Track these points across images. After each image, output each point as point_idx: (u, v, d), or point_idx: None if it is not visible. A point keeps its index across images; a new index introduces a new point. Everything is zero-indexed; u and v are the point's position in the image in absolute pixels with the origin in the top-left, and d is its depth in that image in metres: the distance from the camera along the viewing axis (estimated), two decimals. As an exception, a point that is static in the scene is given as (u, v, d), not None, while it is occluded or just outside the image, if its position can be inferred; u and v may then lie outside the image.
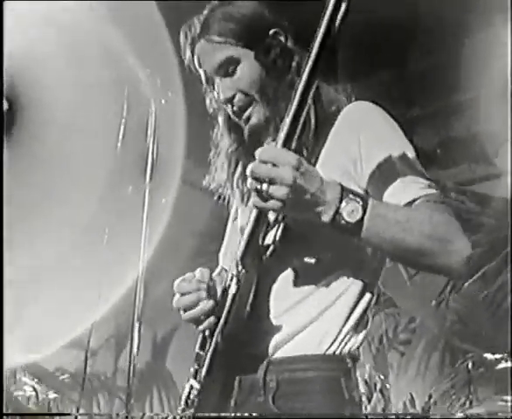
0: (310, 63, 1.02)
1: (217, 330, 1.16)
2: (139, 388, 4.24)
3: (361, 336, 1.25)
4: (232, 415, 1.20)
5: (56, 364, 3.66)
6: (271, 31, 1.33)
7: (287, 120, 1.04)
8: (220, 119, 1.42)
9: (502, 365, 2.96)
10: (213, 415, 1.19)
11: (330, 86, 1.34)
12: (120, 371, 4.19)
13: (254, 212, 1.10)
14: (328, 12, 1.00)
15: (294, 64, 1.32)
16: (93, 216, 3.09)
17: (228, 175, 1.42)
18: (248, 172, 1.02)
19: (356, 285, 1.25)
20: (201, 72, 1.37)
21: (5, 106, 2.70)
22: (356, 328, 1.25)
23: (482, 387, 3.03)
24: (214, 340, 1.17)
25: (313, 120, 1.26)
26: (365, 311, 1.26)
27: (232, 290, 1.14)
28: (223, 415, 1.20)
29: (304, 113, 1.04)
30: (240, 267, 1.14)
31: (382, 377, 3.16)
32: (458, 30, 3.38)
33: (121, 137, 1.68)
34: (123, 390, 4.09)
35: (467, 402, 2.90)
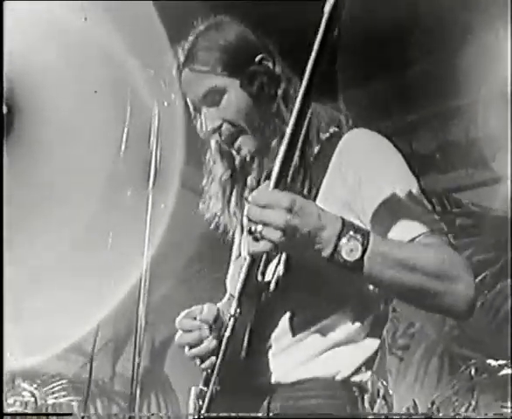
0: (300, 97, 0.99)
1: (215, 372, 1.13)
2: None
3: (367, 375, 1.20)
4: (233, 414, 1.19)
5: (54, 369, 3.64)
6: (257, 58, 1.29)
7: (279, 158, 1.01)
8: (213, 143, 1.38)
9: (505, 371, 2.96)
10: (213, 415, 1.17)
11: (327, 106, 1.30)
12: (118, 376, 4.17)
13: (248, 258, 1.07)
14: (311, 61, 0.98)
15: (279, 91, 1.29)
16: (94, 218, 3.08)
17: (223, 204, 1.38)
18: (244, 213, 1.02)
19: (358, 328, 1.21)
20: (188, 100, 1.34)
21: (4, 109, 2.69)
22: (361, 367, 1.20)
23: (484, 393, 3.03)
24: (212, 380, 1.14)
25: (310, 148, 1.24)
26: (374, 354, 1.22)
27: (228, 333, 1.12)
28: (222, 415, 1.19)
29: (297, 149, 1.01)
30: (238, 309, 1.11)
31: (385, 383, 3.15)
32: (457, 35, 3.40)
33: (124, 139, 1.65)
34: (121, 395, 4.08)
35: (470, 409, 2.90)
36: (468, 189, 3.96)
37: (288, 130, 1.00)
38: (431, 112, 3.93)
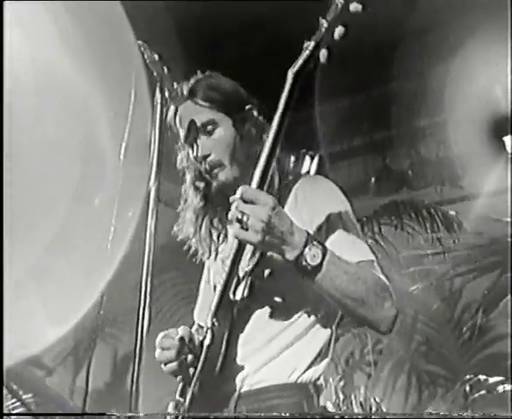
0: (281, 109, 1.26)
1: (194, 379, 1.29)
2: (95, 410, 4.06)
3: (322, 366, 1.39)
4: (230, 415, 1.34)
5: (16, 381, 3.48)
6: (247, 107, 1.54)
7: (261, 163, 1.25)
8: (188, 176, 1.59)
9: (501, 387, 2.97)
10: (213, 415, 1.33)
11: (289, 159, 1.54)
12: (77, 391, 4.02)
13: (235, 246, 1.27)
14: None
15: (264, 136, 1.46)
16: (62, 227, 3.00)
17: (195, 229, 1.59)
18: (233, 205, 1.21)
19: (313, 322, 1.40)
20: (181, 130, 1.53)
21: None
22: (317, 359, 1.38)
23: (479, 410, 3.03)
24: (191, 389, 1.29)
25: (276, 185, 1.45)
26: (327, 344, 1.41)
27: (207, 341, 1.29)
28: (220, 415, 1.34)
29: (275, 157, 1.26)
30: (214, 320, 1.30)
31: (377, 400, 3.17)
32: (431, 55, 3.44)
33: (126, 135, 1.63)
34: (80, 410, 3.92)
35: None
36: (438, 206, 4.00)
37: (270, 137, 1.26)
38: (404, 129, 3.97)
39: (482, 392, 3.05)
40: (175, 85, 1.50)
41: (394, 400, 3.86)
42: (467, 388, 3.08)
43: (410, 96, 3.74)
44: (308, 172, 1.56)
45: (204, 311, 1.59)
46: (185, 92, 1.51)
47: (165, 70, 1.44)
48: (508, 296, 3.10)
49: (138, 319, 1.29)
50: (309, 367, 1.37)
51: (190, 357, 1.33)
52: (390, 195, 4.14)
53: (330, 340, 1.41)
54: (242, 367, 1.37)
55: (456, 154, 3.85)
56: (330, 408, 3.15)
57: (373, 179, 4.23)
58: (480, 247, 3.35)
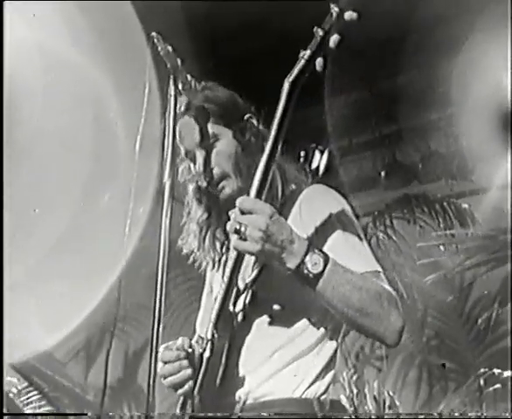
0: (279, 116, 1.22)
1: (195, 393, 1.29)
2: (108, 405, 4.09)
3: (327, 379, 1.37)
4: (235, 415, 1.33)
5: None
6: (246, 116, 1.52)
7: (259, 172, 1.23)
8: (190, 188, 1.57)
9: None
10: (211, 414, 1.32)
11: (292, 165, 1.54)
12: (90, 386, 4.05)
13: (233, 256, 1.25)
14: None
15: (265, 144, 1.47)
16: (71, 223, 3.01)
17: (199, 242, 1.58)
18: (231, 217, 1.21)
19: (322, 336, 1.38)
20: (181, 145, 1.50)
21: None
22: (322, 373, 1.37)
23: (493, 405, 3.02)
24: (192, 402, 1.30)
25: (279, 194, 1.45)
26: (331, 357, 1.39)
27: (207, 354, 1.28)
28: (221, 415, 1.33)
29: (273, 166, 1.24)
30: (214, 332, 1.29)
31: (391, 394, 3.18)
32: (441, 48, 3.43)
33: (141, 127, 1.62)
34: (92, 406, 3.95)
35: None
36: (451, 199, 3.99)
37: (267, 147, 1.23)
38: (414, 123, 3.95)
39: (497, 386, 3.04)
40: (188, 77, 1.47)
41: (404, 394, 3.86)
42: (482, 382, 3.07)
43: (419, 89, 3.72)
44: (318, 168, 1.55)
45: (205, 322, 1.56)
46: (182, 108, 1.48)
47: (179, 62, 1.41)
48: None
49: (154, 317, 1.28)
50: (314, 381, 1.36)
51: (189, 370, 1.32)
52: (400, 189, 4.13)
53: (336, 352, 1.40)
54: (244, 380, 1.36)
55: (466, 147, 3.83)
56: (344, 401, 3.16)
57: (383, 173, 4.21)
58: (491, 240, 3.34)
